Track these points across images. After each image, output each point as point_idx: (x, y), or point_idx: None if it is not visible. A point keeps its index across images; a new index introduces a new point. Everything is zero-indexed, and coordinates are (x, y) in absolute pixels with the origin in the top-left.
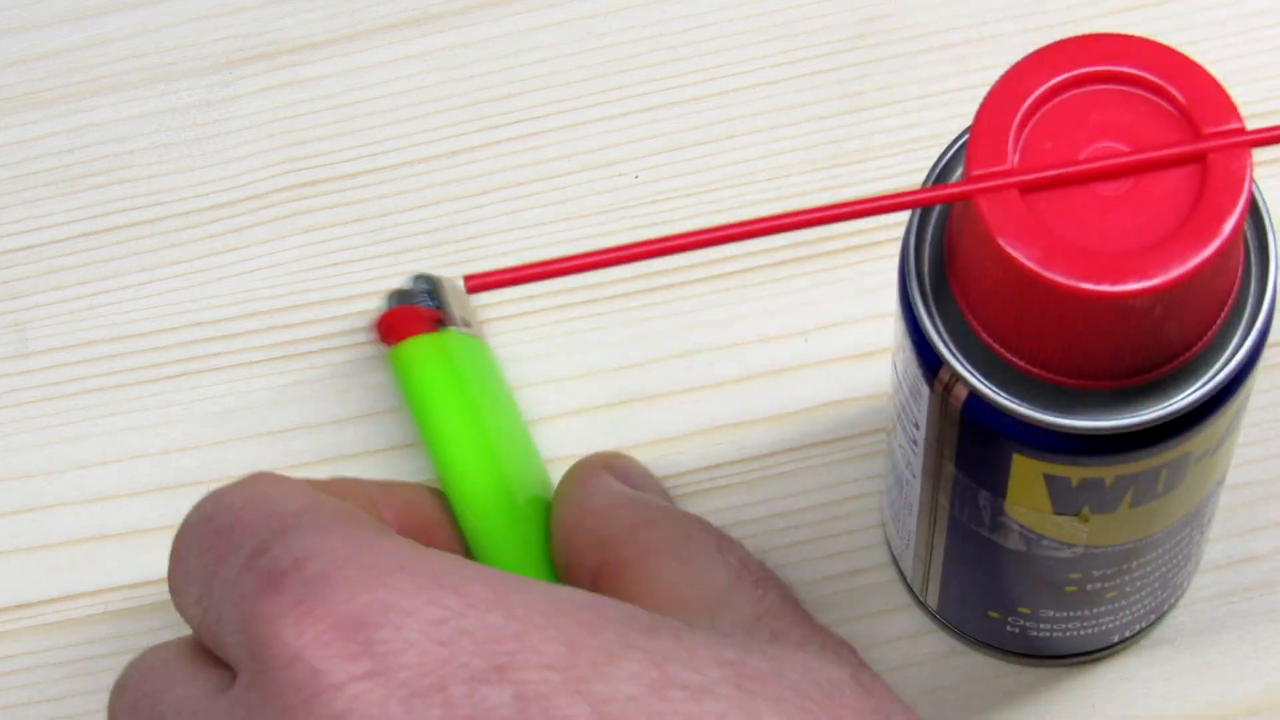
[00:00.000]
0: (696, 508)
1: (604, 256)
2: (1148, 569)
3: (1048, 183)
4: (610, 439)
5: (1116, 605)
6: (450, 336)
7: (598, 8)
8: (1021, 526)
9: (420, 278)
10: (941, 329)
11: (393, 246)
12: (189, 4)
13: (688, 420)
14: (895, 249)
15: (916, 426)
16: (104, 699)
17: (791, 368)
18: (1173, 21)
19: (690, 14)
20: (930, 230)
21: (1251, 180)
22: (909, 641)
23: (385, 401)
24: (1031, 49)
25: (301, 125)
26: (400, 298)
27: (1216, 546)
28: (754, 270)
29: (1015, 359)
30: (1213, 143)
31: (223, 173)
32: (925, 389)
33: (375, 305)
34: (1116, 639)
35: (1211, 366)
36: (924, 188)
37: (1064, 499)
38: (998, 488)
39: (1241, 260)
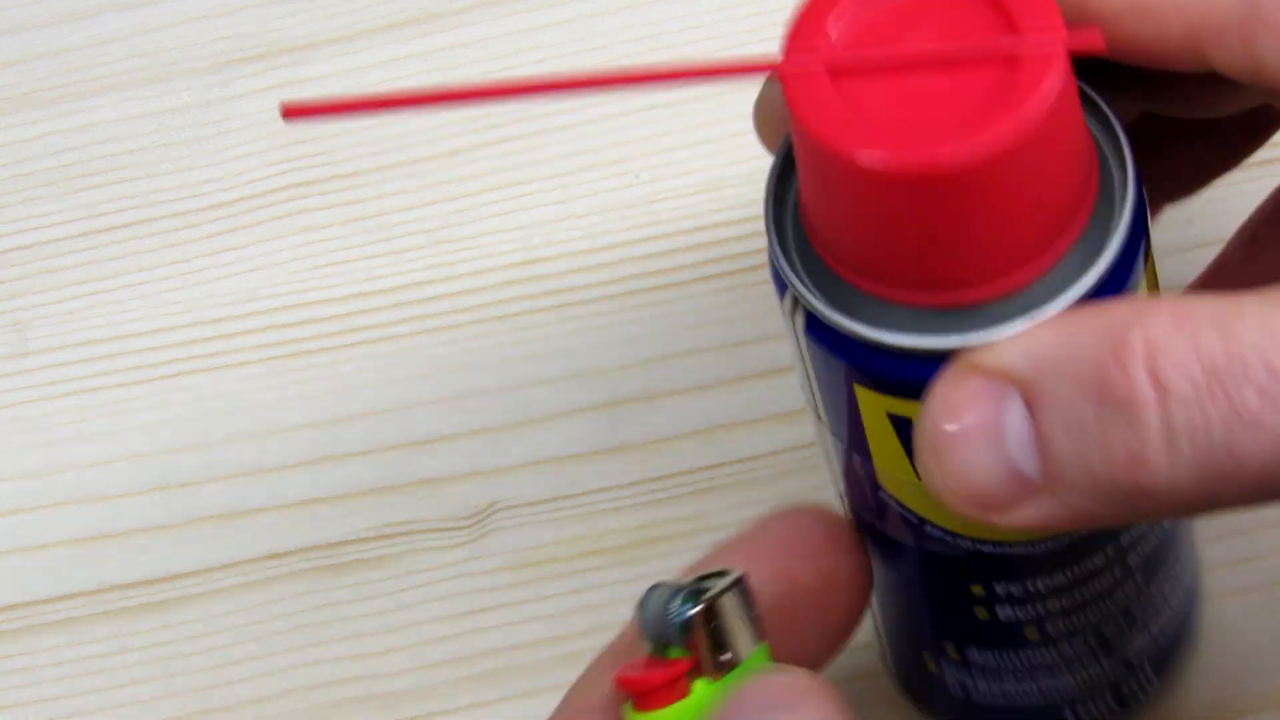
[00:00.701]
0: (696, 508)
1: (439, 94)
2: (1075, 605)
3: (859, 66)
4: (610, 439)
5: (1048, 656)
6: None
7: (598, 8)
8: (898, 504)
9: (679, 594)
10: (791, 253)
11: (392, 246)
12: (189, 4)
13: (688, 420)
14: None
15: (804, 382)
16: (102, 699)
17: (791, 368)
18: None
19: (690, 14)
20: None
21: (1073, 79)
22: None
23: (385, 401)
24: None
25: (301, 125)
26: (651, 624)
27: (1217, 546)
28: (754, 270)
29: (845, 271)
30: (1030, 40)
31: (222, 173)
32: (786, 323)
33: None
34: (1069, 717)
35: (1055, 296)
36: (736, 61)
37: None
38: (858, 442)
39: (1083, 175)
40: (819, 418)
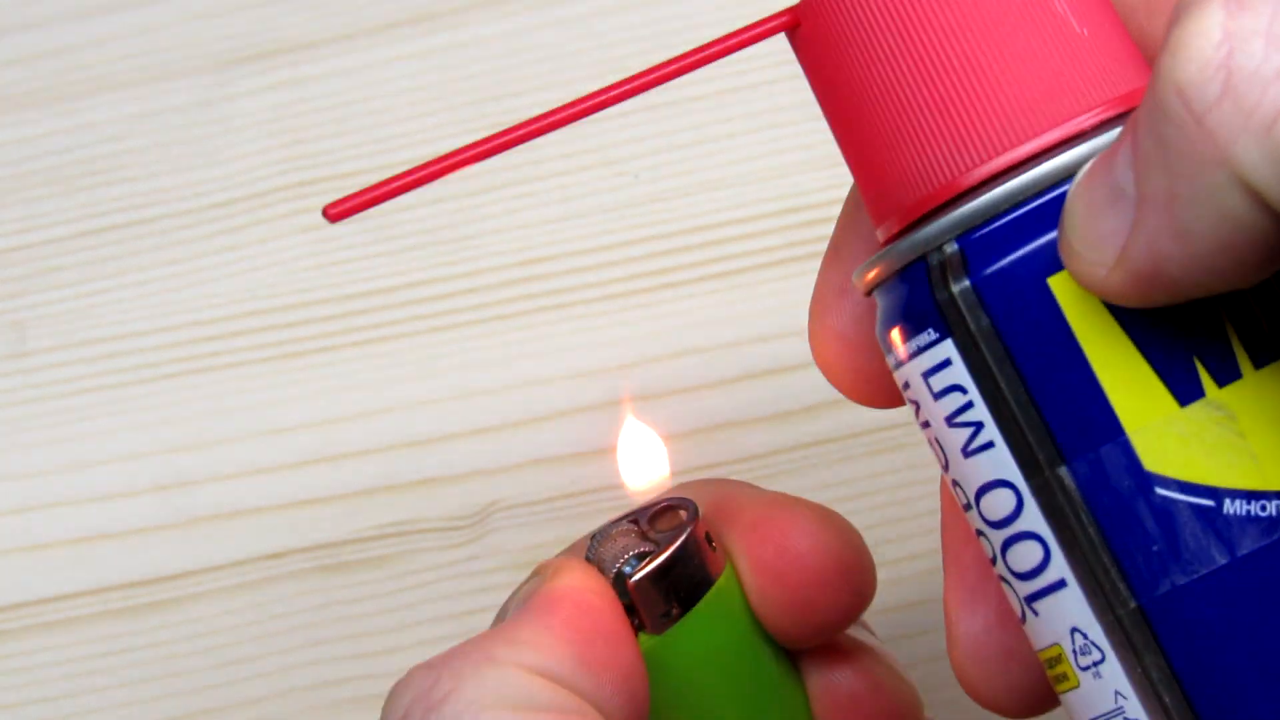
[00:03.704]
0: None
1: (465, 155)
2: None
3: None
4: (610, 439)
5: None
6: (651, 655)
7: (598, 8)
8: (1183, 489)
9: (626, 554)
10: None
11: (393, 246)
12: (189, 3)
13: (688, 420)
14: None
15: (973, 424)
16: (103, 698)
17: (791, 367)
18: None
19: (690, 14)
20: None
21: None
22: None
23: (384, 400)
24: None
25: (301, 125)
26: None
27: None
28: (754, 270)
29: (929, 193)
30: None
31: (223, 172)
32: (930, 335)
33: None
34: None
35: None
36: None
37: (1162, 357)
38: (1093, 398)
39: None
40: (1016, 428)
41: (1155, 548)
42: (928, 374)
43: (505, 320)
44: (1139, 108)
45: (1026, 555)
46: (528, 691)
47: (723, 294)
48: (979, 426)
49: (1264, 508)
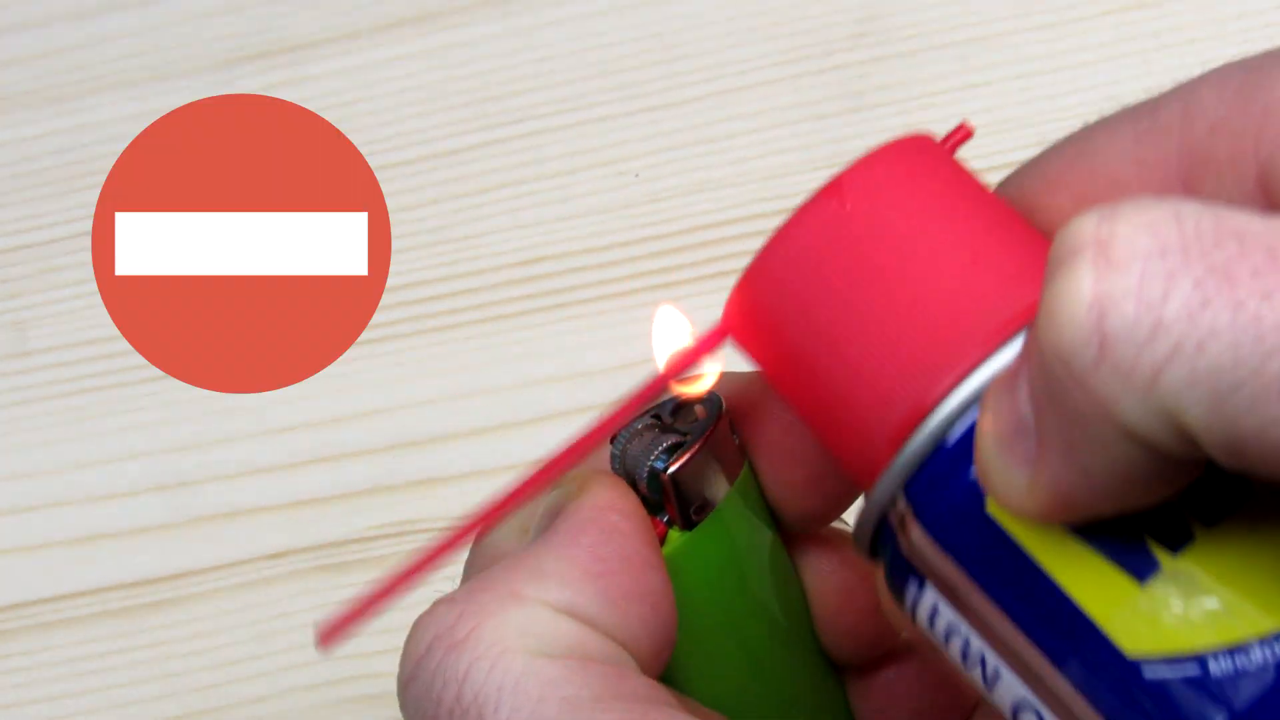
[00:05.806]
0: None
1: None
2: None
3: None
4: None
5: None
6: (679, 557)
7: (598, 8)
8: (1162, 665)
9: (652, 452)
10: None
11: (393, 246)
12: (190, 2)
13: None
14: None
15: (966, 643)
16: (102, 698)
17: None
18: (1173, 20)
19: (690, 14)
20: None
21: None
22: None
23: (385, 400)
24: (1033, 46)
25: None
26: (624, 476)
27: None
28: None
29: (883, 443)
30: None
31: None
32: (915, 587)
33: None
34: None
35: None
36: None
37: (1112, 545)
38: (1060, 603)
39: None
40: (997, 637)
41: None
42: (929, 625)
43: (505, 320)
44: (1028, 355)
45: None
46: (552, 633)
47: (722, 294)
48: (984, 659)
49: (1249, 657)
